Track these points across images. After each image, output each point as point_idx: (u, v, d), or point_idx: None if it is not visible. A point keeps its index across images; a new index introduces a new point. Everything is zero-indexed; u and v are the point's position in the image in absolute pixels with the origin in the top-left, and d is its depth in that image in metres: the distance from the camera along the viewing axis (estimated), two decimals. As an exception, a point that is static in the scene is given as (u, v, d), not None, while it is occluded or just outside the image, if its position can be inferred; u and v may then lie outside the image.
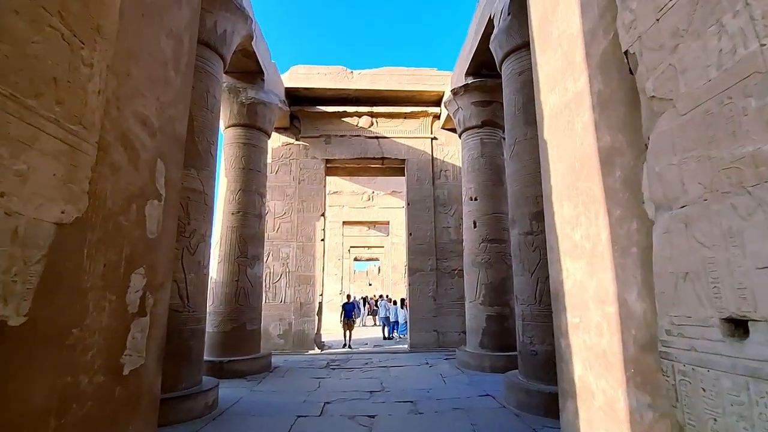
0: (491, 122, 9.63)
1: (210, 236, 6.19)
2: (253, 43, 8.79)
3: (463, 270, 11.77)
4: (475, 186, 9.35)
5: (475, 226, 9.19)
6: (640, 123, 2.33)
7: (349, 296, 13.50)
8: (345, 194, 19.85)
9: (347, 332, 12.84)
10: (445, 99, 10.73)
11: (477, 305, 8.79)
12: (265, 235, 11.58)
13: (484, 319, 8.63)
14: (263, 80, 9.76)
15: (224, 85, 9.46)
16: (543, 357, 5.55)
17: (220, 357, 8.02)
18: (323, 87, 12.14)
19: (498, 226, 9.04)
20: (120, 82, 2.75)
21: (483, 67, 9.52)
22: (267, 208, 11.85)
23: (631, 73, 2.36)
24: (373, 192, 20.01)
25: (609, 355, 2.68)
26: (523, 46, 6.59)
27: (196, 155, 6.01)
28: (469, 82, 9.55)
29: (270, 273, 11.53)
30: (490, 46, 7.65)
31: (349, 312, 13.24)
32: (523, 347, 5.86)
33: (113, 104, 2.67)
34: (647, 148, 2.24)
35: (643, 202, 2.31)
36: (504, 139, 10.00)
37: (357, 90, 12.29)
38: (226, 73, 9.68)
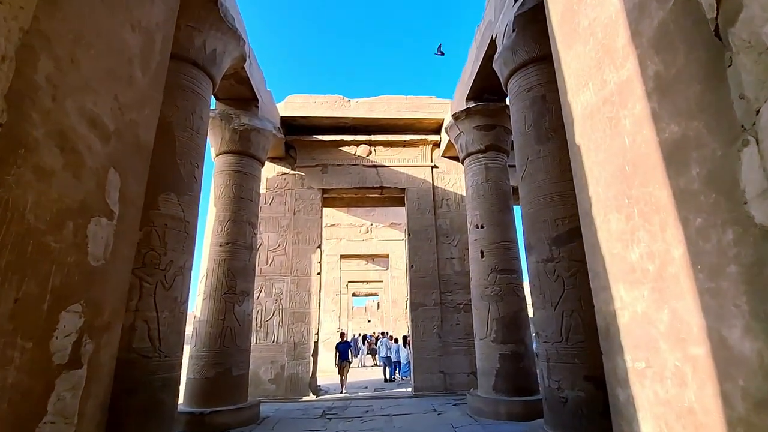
0: (495, 147, 9.21)
1: (190, 269, 5.51)
2: (246, 67, 8.48)
3: (469, 304, 11.00)
4: (481, 213, 8.78)
5: (482, 256, 8.53)
6: (726, 101, 1.76)
7: (343, 334, 12.36)
8: (342, 227, 19.25)
9: (342, 376, 11.61)
10: (446, 125, 10.39)
11: (488, 343, 7.97)
12: (257, 268, 10.87)
13: (497, 359, 7.78)
14: (257, 107, 9.40)
15: (216, 111, 9.10)
16: (574, 405, 4.75)
17: (202, 408, 7.08)
18: (320, 116, 11.84)
19: (507, 255, 8.39)
20: (59, 67, 2.20)
21: (484, 91, 9.22)
22: (260, 240, 11.21)
23: (717, 36, 1.82)
24: (372, 224, 19.42)
25: (700, 414, 1.98)
26: (530, 62, 6.23)
27: (178, 179, 5.44)
28: (471, 106, 9.21)
29: (261, 310, 10.69)
30: (493, 65, 7.32)
31: (344, 353, 11.99)
32: (550, 393, 5.05)
33: (46, 92, 2.10)
34: (747, 128, 1.66)
35: (745, 203, 1.70)
36: (508, 166, 9.57)
37: (354, 118, 11.99)
38: (219, 100, 9.40)
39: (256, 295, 10.73)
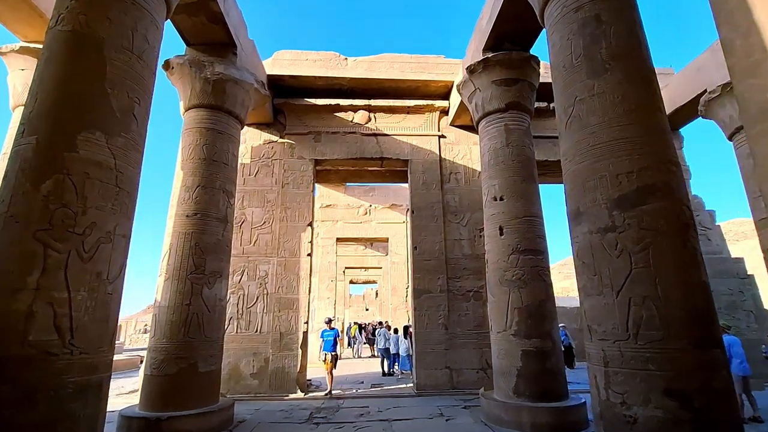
0: (518, 105, 7.75)
1: (126, 237, 4.11)
2: (221, 4, 7.00)
3: (480, 291, 9.70)
4: (500, 183, 7.37)
5: (501, 234, 7.15)
6: None
7: (329, 321, 10.88)
8: (339, 208, 17.85)
9: (328, 372, 9.50)
10: (458, 82, 8.91)
11: (508, 337, 6.64)
12: (239, 248, 9.55)
13: (519, 357, 6.45)
14: (235, 54, 7.91)
15: (185, 57, 7.63)
16: (646, 428, 3.41)
17: (159, 411, 5.78)
18: (313, 75, 10.32)
19: (532, 233, 7.01)
20: None
21: (505, 38, 7.73)
22: (243, 216, 9.86)
23: None
24: (371, 205, 18.02)
25: None
26: (579, -26, 4.74)
27: (107, 114, 4.01)
28: (490, 56, 7.73)
29: (243, 295, 9.35)
30: (524, -8, 5.84)
31: (330, 344, 9.77)
32: (609, 409, 3.72)
33: None
34: None
35: None
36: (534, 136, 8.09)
37: (352, 79, 10.48)
38: (189, 45, 7.90)
39: (237, 278, 9.41)
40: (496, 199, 7.38)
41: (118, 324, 5.13)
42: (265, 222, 9.95)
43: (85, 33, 4.05)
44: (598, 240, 4.00)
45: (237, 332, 9.09)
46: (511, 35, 7.68)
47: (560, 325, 9.36)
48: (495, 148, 7.61)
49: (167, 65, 7.72)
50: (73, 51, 3.98)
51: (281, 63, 10.40)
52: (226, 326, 8.96)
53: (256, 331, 9.16)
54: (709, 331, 3.58)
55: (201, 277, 6.50)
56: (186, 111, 7.55)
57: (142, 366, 6.99)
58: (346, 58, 10.68)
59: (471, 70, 7.99)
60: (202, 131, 7.21)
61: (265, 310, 9.30)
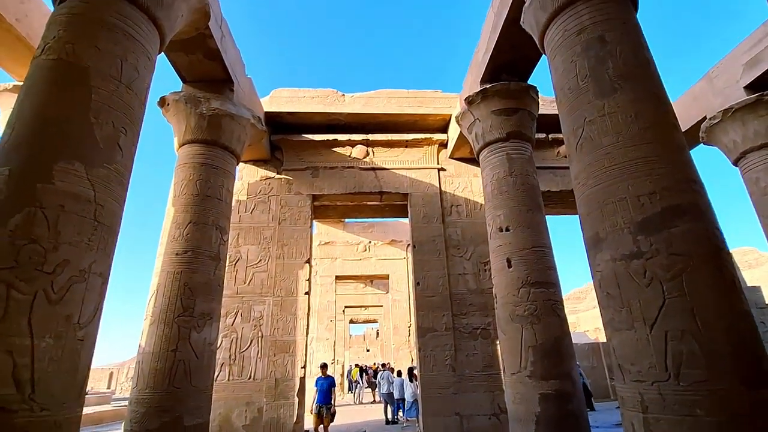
0: (519, 134, 7.63)
1: (103, 276, 3.74)
2: (217, 39, 7.01)
3: (488, 329, 9.17)
4: (506, 213, 7.08)
5: (509, 266, 6.77)
6: None
7: (324, 366, 10.23)
8: (338, 245, 17.47)
9: (319, 427, 8.87)
10: (456, 113, 8.86)
11: (523, 379, 6.09)
12: (233, 288, 9.09)
13: (536, 401, 5.88)
14: (232, 91, 7.86)
15: (181, 94, 7.55)
16: (702, 488, 2.90)
17: (137, 475, 5.13)
18: (310, 111, 10.32)
19: (541, 264, 6.64)
20: None
21: (503, 70, 7.74)
22: (238, 255, 9.47)
23: None
24: (370, 242, 17.65)
25: None
26: None
27: (89, 143, 3.76)
28: (488, 86, 7.69)
29: (237, 339, 8.78)
30: (522, 22, 5.85)
31: (324, 394, 9.31)
32: (653, 465, 3.20)
33: None
34: None
35: None
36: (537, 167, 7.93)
37: (350, 114, 10.47)
38: (186, 82, 7.87)
39: (230, 320, 8.88)
40: (501, 230, 7.07)
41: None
42: (260, 260, 9.55)
43: (71, 61, 3.88)
44: (623, 268, 3.65)
45: (229, 379, 8.43)
46: (508, 66, 7.69)
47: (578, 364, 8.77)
48: (498, 177, 7.40)
49: (162, 102, 7.64)
50: (56, 79, 3.79)
51: (279, 100, 10.42)
52: (216, 373, 8.35)
53: (250, 377, 8.51)
54: (759, 366, 3.15)
55: (189, 320, 6.02)
56: (180, 147, 7.38)
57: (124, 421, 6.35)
58: (343, 95, 10.73)
59: (469, 101, 7.94)
60: (195, 166, 7.00)
61: (259, 355, 8.69)
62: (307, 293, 9.41)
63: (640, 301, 3.48)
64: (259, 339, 8.84)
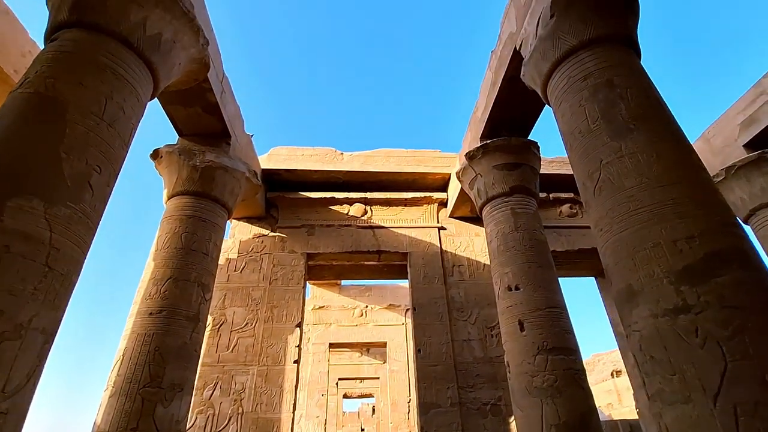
0: (523, 188, 7.37)
1: (49, 333, 3.11)
2: (217, 94, 6.99)
3: (498, 404, 8.14)
4: (514, 270, 6.56)
5: (522, 329, 6.08)
6: None
7: None
8: (333, 309, 16.50)
9: None
10: (456, 169, 8.68)
11: (548, 468, 5.12)
12: (215, 355, 8.20)
13: (566, 497, 4.87)
14: (229, 144, 7.71)
15: (176, 146, 7.38)
16: None
17: None
18: (308, 169, 10.18)
19: (558, 327, 5.96)
20: None
21: (503, 126, 7.71)
22: (222, 318, 8.69)
23: None
24: (367, 306, 16.71)
25: None
26: (580, 47, 4.67)
27: (54, 179, 3.36)
28: (489, 141, 7.60)
29: (213, 416, 7.69)
30: (522, 75, 5.84)
31: None
32: None
33: None
34: None
35: None
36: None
37: (348, 172, 10.34)
38: (183, 136, 7.75)
39: (208, 393, 7.87)
40: (510, 289, 6.48)
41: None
42: (247, 323, 8.74)
43: (49, 95, 3.63)
44: (668, 325, 3.07)
45: (200, 467, 7.23)
46: (508, 123, 7.66)
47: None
48: (503, 233, 6.98)
49: (156, 154, 7.44)
50: (28, 112, 3.51)
51: (277, 158, 10.34)
52: (187, 459, 7.17)
53: (225, 465, 7.30)
54: None
55: (156, 392, 5.18)
56: (168, 199, 7.02)
57: None
58: (342, 153, 10.70)
59: (470, 156, 7.79)
60: (182, 218, 6.58)
61: (238, 436, 7.55)
62: (297, 362, 8.47)
63: (695, 365, 2.87)
64: (239, 416, 7.75)
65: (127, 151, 4.34)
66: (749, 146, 8.52)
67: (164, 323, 5.61)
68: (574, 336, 6.07)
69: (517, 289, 6.40)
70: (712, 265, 3.04)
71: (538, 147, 7.76)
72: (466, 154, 7.89)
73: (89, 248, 3.68)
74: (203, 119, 7.35)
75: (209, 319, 8.70)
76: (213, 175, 7.10)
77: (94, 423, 5.09)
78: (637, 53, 4.81)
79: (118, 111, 4.12)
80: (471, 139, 8.45)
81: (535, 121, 7.64)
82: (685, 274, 3.10)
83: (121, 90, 4.20)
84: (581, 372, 5.71)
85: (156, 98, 7.26)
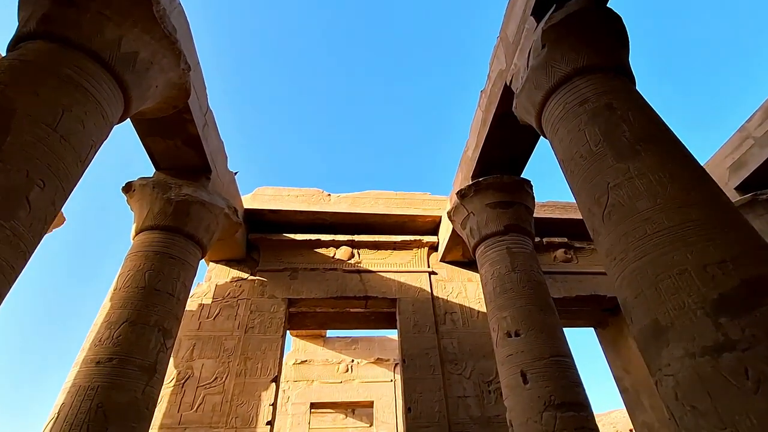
0: (518, 227, 7.00)
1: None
2: (199, 126, 6.70)
3: (500, 474, 7.13)
4: (513, 314, 5.98)
5: (525, 381, 5.39)
6: None
7: None
8: (315, 364, 15.28)
9: None
10: (448, 209, 8.34)
11: None
12: (177, 415, 7.22)
13: None
14: (208, 179, 7.31)
15: (151, 179, 6.95)
16: None
17: None
18: (294, 209, 9.77)
19: (566, 380, 5.30)
20: None
21: (494, 165, 7.50)
22: (190, 371, 7.82)
23: None
24: (353, 361, 15.54)
25: None
26: (575, 74, 4.53)
27: (-19, 189, 2.85)
28: (481, 179, 7.34)
29: (168, 491, 6.52)
30: (514, 108, 5.70)
31: None
32: None
33: None
34: None
35: None
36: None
37: (335, 214, 9.94)
38: (159, 169, 7.34)
39: (164, 463, 6.74)
40: (510, 335, 5.87)
41: None
42: (216, 378, 7.79)
43: (-5, 99, 3.21)
44: (710, 367, 2.55)
45: None
46: (499, 162, 7.46)
47: None
48: (500, 273, 6.49)
49: (128, 188, 6.98)
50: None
51: (262, 198, 9.94)
52: None
53: None
54: None
55: (92, 461, 4.27)
56: (136, 235, 6.45)
57: None
58: (329, 195, 10.37)
59: (462, 195, 7.50)
60: (148, 255, 5.97)
61: None
62: (270, 423, 7.44)
63: (751, 415, 2.31)
64: (199, 491, 6.59)
65: (82, 170, 3.88)
66: (740, 189, 8.46)
67: (112, 374, 4.80)
68: (584, 389, 5.39)
69: (517, 335, 5.79)
70: (754, 293, 2.59)
71: (532, 186, 7.52)
72: (458, 192, 7.60)
73: (17, 275, 3.09)
74: (183, 152, 6.99)
75: (173, 372, 7.75)
76: (188, 210, 6.61)
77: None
78: (632, 81, 4.70)
79: (77, 125, 3.72)
80: (462, 179, 8.21)
81: (527, 159, 7.47)
82: (722, 304, 2.64)
83: (82, 103, 3.83)
84: (595, 431, 4.98)
85: (135, 131, 7.05)
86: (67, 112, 3.64)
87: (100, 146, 4.23)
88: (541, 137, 7.02)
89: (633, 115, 3.90)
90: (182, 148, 6.94)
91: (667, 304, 2.88)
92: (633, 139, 3.71)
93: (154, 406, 5.31)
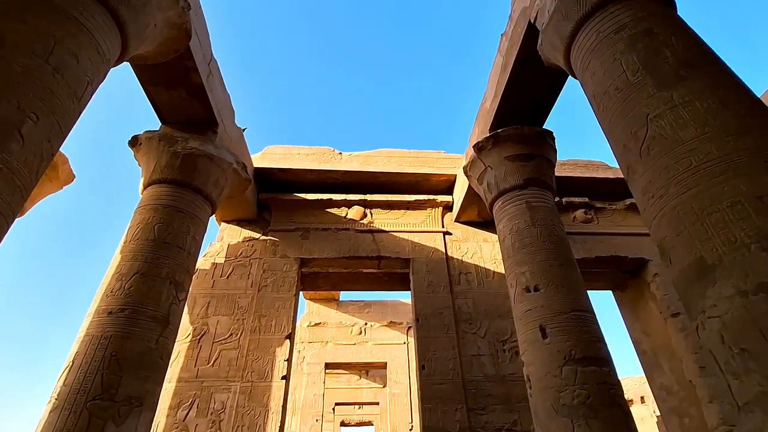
0: (538, 181, 6.66)
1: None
2: (203, 75, 6.40)
3: (514, 430, 7.12)
4: (532, 269, 5.74)
5: (544, 336, 5.22)
6: None
7: None
8: (329, 327, 15.50)
9: None
10: (464, 164, 7.98)
11: (584, 505, 4.16)
12: (194, 369, 7.35)
13: None
14: (215, 133, 7.07)
15: (156, 132, 6.74)
16: None
17: None
18: (304, 168, 9.53)
19: (587, 334, 5.10)
20: None
21: (514, 117, 7.07)
22: (206, 328, 7.87)
23: None
24: (366, 324, 15.71)
25: None
26: (608, 1, 4.04)
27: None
28: (500, 131, 6.94)
29: (187, 440, 6.71)
30: (540, 43, 5.22)
31: None
32: None
33: None
34: None
35: None
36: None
37: (346, 173, 9.67)
38: (165, 123, 7.12)
39: (183, 414, 6.93)
40: (529, 291, 5.65)
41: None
42: (231, 334, 7.85)
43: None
44: (764, 305, 2.27)
45: (168, 501, 6.20)
46: (520, 111, 7.02)
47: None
48: (518, 228, 6.21)
49: (134, 141, 6.80)
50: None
51: (271, 157, 9.71)
52: (153, 491, 6.17)
53: (197, 498, 6.27)
54: None
55: (108, 406, 4.30)
56: (144, 189, 6.32)
57: None
58: (340, 153, 10.07)
59: (479, 148, 7.12)
60: (157, 208, 5.85)
61: (214, 464, 6.55)
62: (285, 378, 7.53)
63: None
64: (217, 440, 6.76)
65: (79, 108, 3.66)
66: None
67: (125, 324, 4.78)
68: (606, 345, 5.20)
69: (536, 290, 5.57)
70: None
71: (554, 137, 7.10)
72: (475, 145, 7.22)
73: (14, 213, 2.94)
74: (188, 104, 6.73)
75: (189, 328, 7.84)
76: (195, 163, 6.42)
77: (30, 443, 4.20)
78: (673, 6, 4.19)
79: (70, 58, 3.47)
80: (479, 133, 7.79)
81: (550, 108, 7.01)
82: (787, 235, 2.33)
83: (75, 36, 3.56)
84: (618, 387, 4.81)
85: (138, 80, 6.77)
86: (58, 44, 3.38)
87: (97, 86, 3.99)
88: (567, 82, 6.59)
89: (676, 40, 3.46)
90: (187, 99, 6.67)
91: (714, 240, 2.58)
92: (676, 64, 3.30)
93: (169, 357, 5.33)
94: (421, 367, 7.84)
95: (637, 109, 3.38)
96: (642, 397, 23.69)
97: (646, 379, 16.99)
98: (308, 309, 15.89)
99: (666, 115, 3.15)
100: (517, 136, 6.81)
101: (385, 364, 15.20)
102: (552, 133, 7.05)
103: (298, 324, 14.79)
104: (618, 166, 10.60)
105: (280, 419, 7.14)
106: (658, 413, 16.32)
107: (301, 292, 11.47)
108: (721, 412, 7.40)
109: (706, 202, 2.69)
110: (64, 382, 4.40)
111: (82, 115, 3.96)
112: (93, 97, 4.11)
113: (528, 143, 6.82)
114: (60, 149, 7.88)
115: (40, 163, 3.19)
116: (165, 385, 6.92)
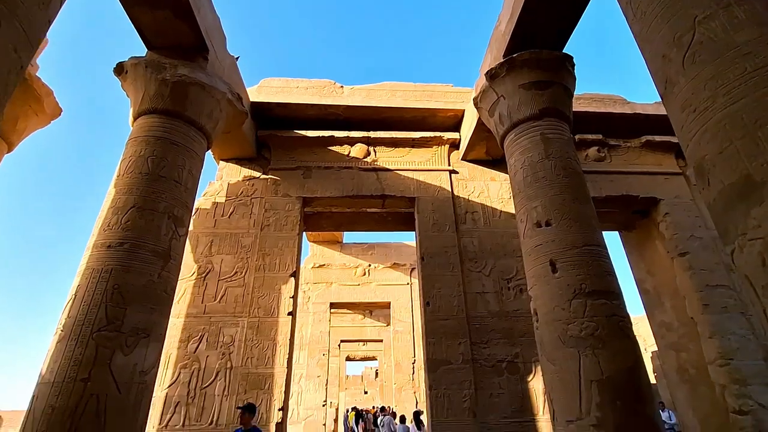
0: (555, 111, 6.21)
1: None
2: (188, -6, 5.75)
3: (515, 362, 7.35)
4: (544, 203, 5.50)
5: (554, 270, 5.09)
6: None
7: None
8: (333, 268, 15.71)
9: None
10: (474, 95, 7.46)
11: (587, 429, 4.25)
12: (202, 305, 7.43)
13: (609, 463, 4.02)
14: (206, 60, 6.54)
15: (143, 59, 6.23)
16: None
17: None
18: (304, 103, 9.00)
19: (598, 268, 4.97)
20: None
21: (531, 40, 6.43)
22: (210, 266, 7.86)
23: None
24: (370, 265, 15.90)
25: None
26: None
27: None
28: (515, 55, 6.36)
29: (199, 370, 6.92)
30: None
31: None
32: None
33: None
34: None
35: None
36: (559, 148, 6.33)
37: (348, 108, 9.15)
38: (151, 48, 6.56)
39: (193, 347, 7.10)
40: (540, 225, 5.45)
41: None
42: (236, 272, 7.85)
43: None
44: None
45: (183, 424, 6.51)
46: (537, 35, 6.38)
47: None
48: (531, 162, 5.88)
49: (120, 69, 6.30)
50: None
51: (268, 90, 9.14)
52: (169, 416, 6.49)
53: (211, 422, 6.57)
54: None
55: (114, 337, 4.29)
56: (135, 120, 5.94)
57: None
58: (341, 86, 9.47)
59: (492, 75, 6.58)
60: (149, 140, 5.51)
61: (226, 392, 6.80)
62: (291, 314, 7.62)
63: None
64: (228, 371, 6.98)
65: (47, 18, 3.22)
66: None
67: (125, 258, 4.66)
68: (617, 279, 5.09)
69: (547, 225, 5.37)
70: None
71: (574, 63, 6.53)
72: (487, 72, 6.67)
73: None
74: (174, 26, 6.14)
75: (194, 267, 7.83)
76: (186, 92, 5.98)
77: (40, 373, 4.25)
78: None
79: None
80: (492, 60, 7.17)
81: (571, 31, 6.37)
82: None
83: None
84: (627, 320, 4.75)
85: (120, 0, 6.14)
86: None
87: (64, -8, 3.50)
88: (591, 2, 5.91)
89: None
90: (173, 21, 6.08)
91: (767, 155, 2.28)
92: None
93: (173, 291, 5.29)
94: (426, 304, 7.90)
95: (683, 11, 2.92)
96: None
97: (640, 319, 17.42)
98: (312, 251, 16.01)
99: (718, 15, 2.70)
100: (533, 60, 6.25)
101: (389, 303, 15.60)
102: (572, 58, 6.47)
103: (302, 266, 14.99)
104: (635, 102, 10.04)
105: (287, 351, 7.32)
106: (653, 350, 16.94)
107: (304, 233, 11.44)
108: (720, 346, 7.53)
109: (759, 112, 2.36)
110: (68, 314, 4.37)
111: (52, 26, 3.52)
112: (63, 5, 3.64)
113: (546, 69, 6.28)
114: (38, 75, 7.38)
115: (8, 78, 2.83)
116: (173, 320, 7.07)
